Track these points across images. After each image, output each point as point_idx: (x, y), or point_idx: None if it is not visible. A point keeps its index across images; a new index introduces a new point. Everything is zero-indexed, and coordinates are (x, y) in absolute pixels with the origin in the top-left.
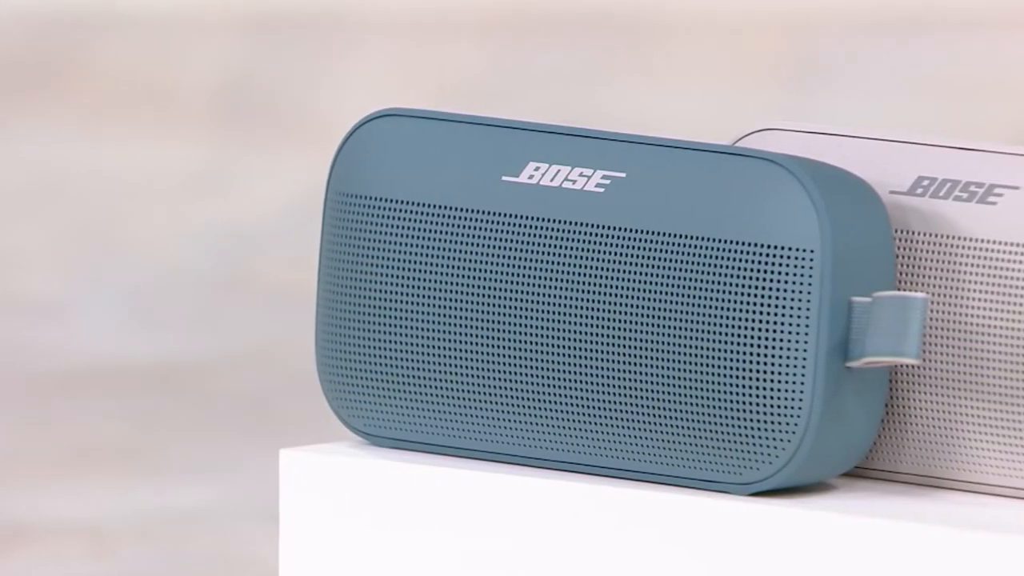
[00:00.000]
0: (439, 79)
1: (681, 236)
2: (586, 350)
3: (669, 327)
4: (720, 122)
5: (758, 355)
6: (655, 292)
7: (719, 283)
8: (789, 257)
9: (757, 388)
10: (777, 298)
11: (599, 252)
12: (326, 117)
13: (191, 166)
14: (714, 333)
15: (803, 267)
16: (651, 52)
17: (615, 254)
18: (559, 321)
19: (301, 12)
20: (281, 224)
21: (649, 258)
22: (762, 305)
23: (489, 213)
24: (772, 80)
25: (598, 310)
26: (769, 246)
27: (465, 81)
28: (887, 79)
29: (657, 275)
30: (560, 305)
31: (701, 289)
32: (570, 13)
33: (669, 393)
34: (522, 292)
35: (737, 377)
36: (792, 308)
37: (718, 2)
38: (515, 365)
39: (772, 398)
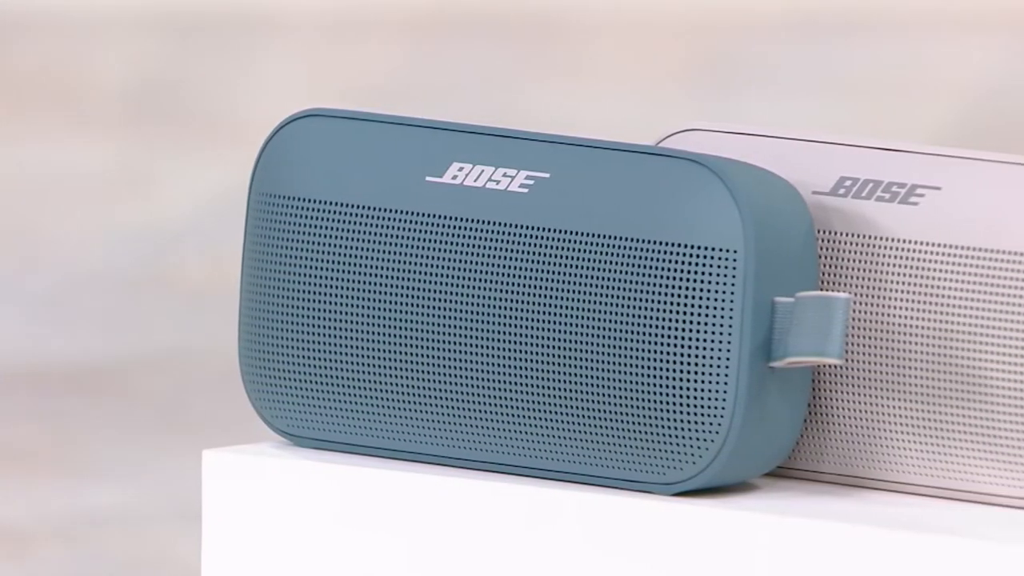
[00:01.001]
0: (356, 79)
1: (605, 236)
2: (508, 350)
3: (592, 327)
4: (641, 123)
5: (682, 355)
6: (579, 292)
7: (643, 283)
8: (713, 257)
9: (681, 388)
10: (701, 298)
11: (523, 252)
12: (241, 117)
13: (108, 167)
14: (637, 333)
15: (727, 267)
16: (570, 53)
17: (539, 254)
18: (481, 321)
19: (217, 12)
20: (199, 224)
21: (573, 258)
22: (686, 305)
23: (413, 213)
24: (692, 81)
25: (521, 310)
26: (693, 246)
27: (382, 81)
28: (805, 80)
29: (581, 275)
30: (483, 305)
31: (625, 289)
32: (489, 13)
33: (593, 393)
34: (444, 292)
35: (661, 377)
36: (716, 308)
37: (637, 3)
38: (436, 365)
39: (696, 398)
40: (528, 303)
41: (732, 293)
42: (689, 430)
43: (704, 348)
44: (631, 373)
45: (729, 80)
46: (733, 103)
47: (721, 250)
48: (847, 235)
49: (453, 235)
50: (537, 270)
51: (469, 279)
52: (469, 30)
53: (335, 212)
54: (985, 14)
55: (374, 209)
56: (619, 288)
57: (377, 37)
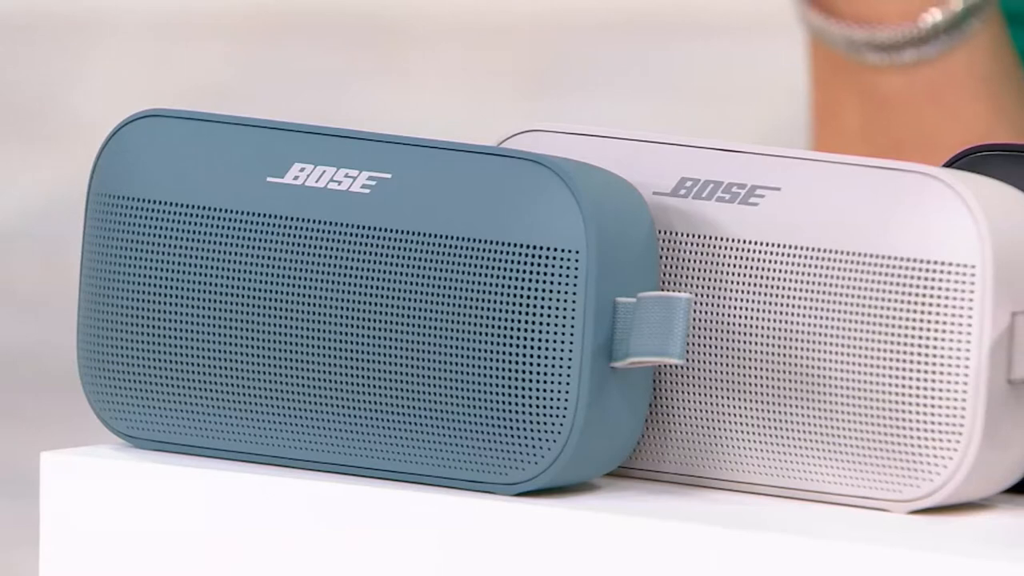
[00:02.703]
0: (188, 80)
1: (447, 237)
2: (347, 350)
3: (435, 327)
4: (473, 124)
5: (523, 356)
6: (421, 292)
7: (484, 283)
8: (554, 258)
9: (522, 389)
10: (542, 299)
11: (365, 253)
12: (72, 118)
13: None
14: (479, 334)
15: (568, 268)
16: (402, 55)
17: (381, 255)
18: (320, 321)
19: (48, 13)
20: (31, 225)
21: (415, 259)
22: (527, 306)
23: (253, 214)
24: (525, 82)
25: (364, 310)
26: (534, 247)
27: (214, 82)
28: (635, 81)
29: (423, 275)
30: (324, 306)
31: (467, 289)
32: (321, 15)
33: (433, 394)
34: (284, 293)
35: (502, 378)
36: (557, 309)
37: (467, 6)
38: (274, 365)
39: (537, 399)
40: (370, 303)
41: (574, 294)
42: (531, 430)
43: (545, 349)
44: (472, 373)
45: (560, 82)
46: (566, 104)
47: (562, 251)
48: (688, 235)
49: (294, 236)
50: (379, 270)
51: (310, 280)
52: (301, 32)
53: (175, 213)
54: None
55: (214, 210)
56: (461, 288)
57: (208, 38)
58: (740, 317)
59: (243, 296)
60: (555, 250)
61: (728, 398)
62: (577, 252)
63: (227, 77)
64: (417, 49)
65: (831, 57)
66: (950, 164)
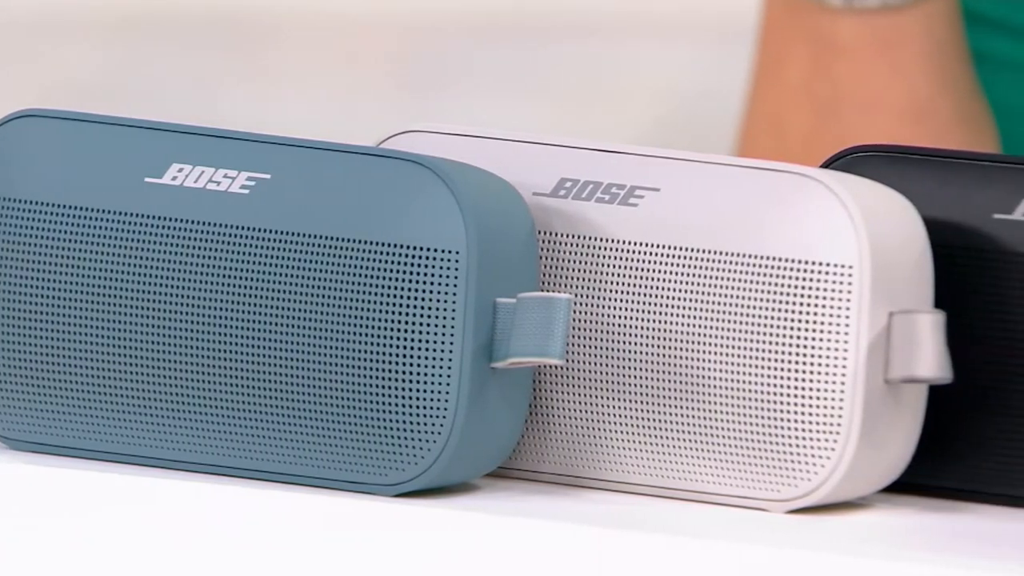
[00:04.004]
0: (52, 80)
1: (326, 237)
2: (227, 351)
3: (315, 328)
4: (350, 124)
5: (403, 356)
6: (300, 293)
7: (364, 284)
8: (434, 258)
9: (402, 389)
10: (422, 299)
11: (244, 253)
12: None
13: None
14: (359, 335)
15: (448, 268)
16: (271, 55)
17: (260, 255)
18: (201, 322)
19: None
20: None
21: (295, 259)
22: (407, 306)
23: (131, 214)
24: (402, 83)
25: (244, 311)
26: (414, 247)
27: (80, 82)
28: (510, 82)
29: (302, 276)
30: (204, 306)
31: (346, 290)
32: (188, 16)
33: (312, 394)
34: (163, 293)
35: (382, 379)
36: (437, 309)
37: (339, 5)
38: (152, 366)
39: (417, 399)
40: (249, 304)
41: (454, 294)
42: (411, 431)
43: (426, 349)
44: (352, 374)
45: (438, 83)
46: (444, 105)
47: (443, 251)
48: (568, 236)
49: (173, 236)
50: (257, 271)
51: (186, 280)
52: (168, 32)
53: (51, 213)
54: (678, 19)
55: (91, 210)
56: (340, 289)
57: (73, 38)
58: (620, 317)
59: (119, 297)
60: (435, 250)
61: (607, 398)
62: (457, 252)
63: (92, 77)
64: (287, 49)
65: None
66: (827, 165)
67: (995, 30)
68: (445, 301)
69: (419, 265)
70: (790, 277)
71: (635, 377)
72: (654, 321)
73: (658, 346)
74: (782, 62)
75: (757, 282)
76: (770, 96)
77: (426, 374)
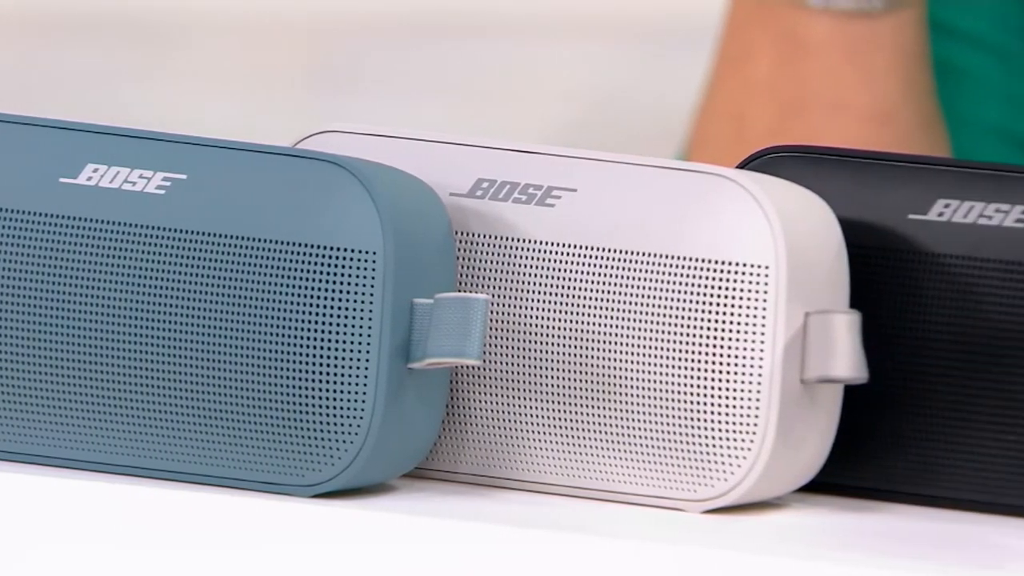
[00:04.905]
0: None
1: (243, 238)
2: (142, 351)
3: (231, 328)
4: (265, 125)
5: (320, 357)
6: (217, 293)
7: (281, 284)
8: (351, 259)
9: (320, 390)
10: (339, 300)
11: (160, 254)
12: None
13: None
14: (276, 335)
15: (365, 269)
16: (179, 55)
17: (176, 255)
18: (113, 322)
19: None
20: None
21: (211, 259)
22: (324, 307)
23: (46, 215)
24: (305, 84)
25: (160, 311)
26: (331, 247)
27: None
28: (430, 83)
29: (219, 276)
30: (117, 307)
31: (263, 290)
32: (91, 15)
33: (227, 395)
34: (76, 294)
35: (299, 379)
36: (355, 310)
37: (248, 4)
38: (67, 366)
39: (334, 400)
40: (165, 304)
41: (371, 295)
42: (328, 432)
43: (343, 350)
44: (269, 375)
45: (354, 83)
46: (360, 106)
47: (360, 251)
48: (485, 236)
49: (88, 237)
50: (173, 271)
51: (101, 281)
52: (81, 33)
53: None
54: (591, 21)
55: (5, 210)
56: (257, 289)
57: None
58: (537, 318)
59: (33, 297)
60: (352, 251)
61: (524, 399)
62: (374, 253)
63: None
64: (196, 50)
65: None
66: (743, 165)
67: (955, 40)
68: (362, 302)
69: (336, 266)
70: (706, 277)
71: (552, 377)
72: (571, 321)
73: (575, 346)
74: (747, 57)
75: (673, 282)
76: (732, 90)
77: (343, 375)
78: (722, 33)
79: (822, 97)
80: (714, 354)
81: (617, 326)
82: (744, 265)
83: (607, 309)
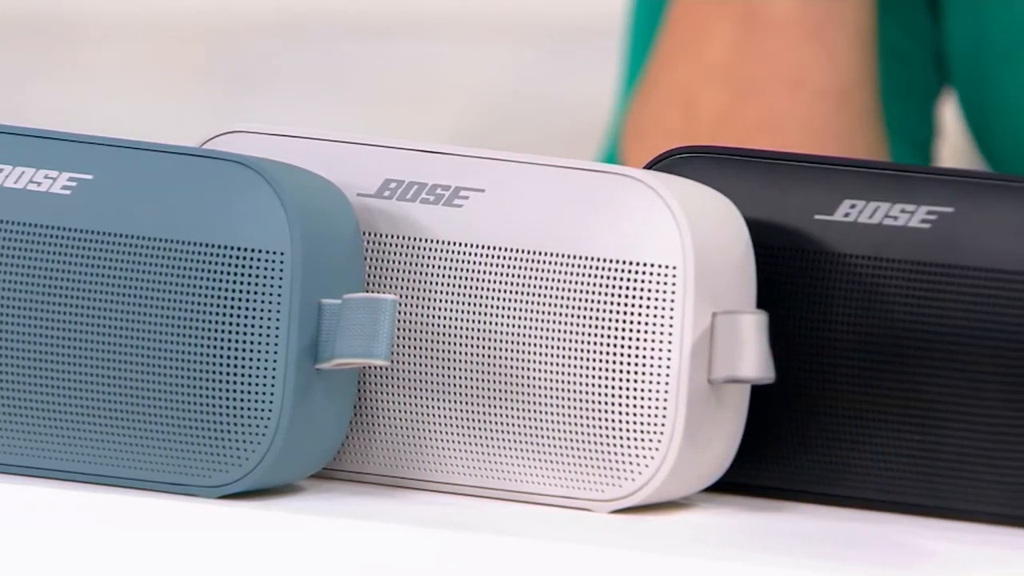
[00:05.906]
0: None
1: (150, 238)
2: (46, 352)
3: (137, 329)
4: (167, 125)
5: (227, 358)
6: (122, 294)
7: (188, 285)
8: (259, 259)
9: (226, 391)
10: (247, 300)
11: (65, 255)
12: None
13: None
14: (182, 336)
15: (273, 269)
16: (76, 55)
17: (82, 256)
18: (20, 323)
19: None
20: None
21: (117, 260)
22: (231, 308)
23: None
24: (219, 83)
25: (64, 312)
26: (238, 248)
27: None
28: (334, 83)
29: (125, 277)
30: (24, 308)
31: (169, 291)
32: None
33: (136, 395)
34: None
35: (206, 380)
36: (262, 310)
37: (150, 4)
38: None
39: (242, 401)
40: (69, 305)
41: (278, 295)
42: (235, 433)
43: (250, 350)
44: (175, 376)
45: (258, 83)
46: (265, 106)
47: (267, 252)
48: (392, 237)
49: None
50: (78, 272)
51: (7, 281)
52: None
53: None
54: (495, 20)
55: None
56: (164, 290)
57: None
58: (444, 318)
59: None
60: (259, 251)
61: (432, 399)
62: (282, 253)
63: None
64: (103, 48)
65: None
66: (650, 166)
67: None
68: (269, 302)
69: (243, 266)
70: (613, 277)
71: (458, 377)
72: (478, 321)
73: (482, 346)
74: (701, 39)
75: (580, 282)
76: (683, 73)
77: (250, 375)
78: (668, 21)
79: (781, 75)
80: (621, 354)
81: (525, 326)
82: (651, 265)
83: (515, 309)
